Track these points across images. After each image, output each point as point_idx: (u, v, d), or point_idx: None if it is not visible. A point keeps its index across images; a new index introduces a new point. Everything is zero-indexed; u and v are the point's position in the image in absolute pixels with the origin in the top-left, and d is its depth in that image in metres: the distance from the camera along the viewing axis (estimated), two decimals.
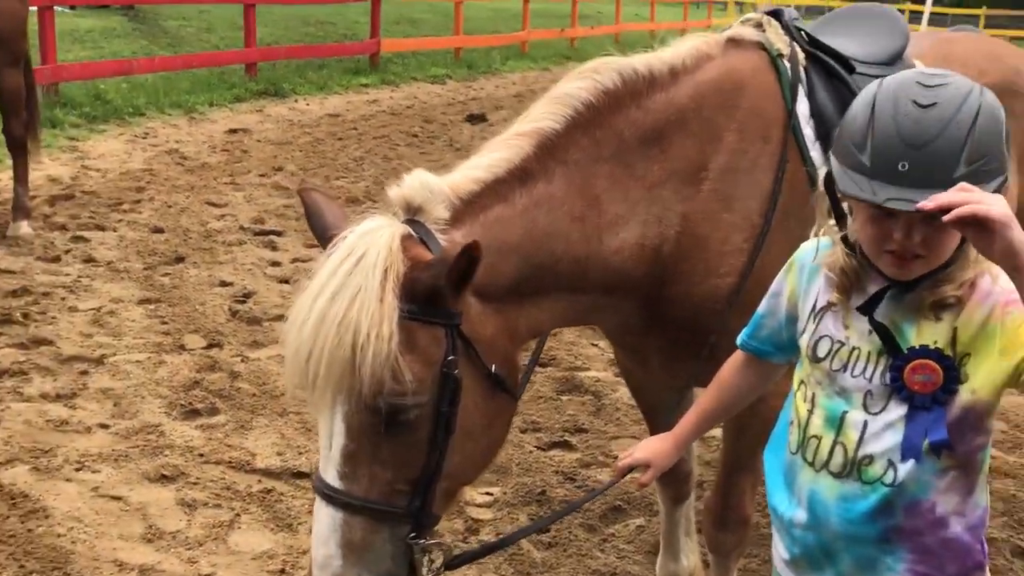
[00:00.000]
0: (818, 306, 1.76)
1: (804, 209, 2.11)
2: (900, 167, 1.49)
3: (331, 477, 1.89)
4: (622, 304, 2.32)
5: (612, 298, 2.29)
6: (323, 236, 1.96)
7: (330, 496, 1.89)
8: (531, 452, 4.10)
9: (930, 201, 1.42)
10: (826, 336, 1.72)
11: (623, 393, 4.52)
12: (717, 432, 3.58)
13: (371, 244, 1.82)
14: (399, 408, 1.83)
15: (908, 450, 1.60)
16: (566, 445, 4.19)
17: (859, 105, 1.60)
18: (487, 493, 3.76)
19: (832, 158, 1.64)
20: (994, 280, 1.57)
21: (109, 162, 8.65)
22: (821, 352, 1.72)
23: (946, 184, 1.45)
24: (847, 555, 1.70)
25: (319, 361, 1.78)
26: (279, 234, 6.96)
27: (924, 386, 1.59)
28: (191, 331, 5.16)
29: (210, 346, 5.00)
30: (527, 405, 4.50)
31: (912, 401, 1.60)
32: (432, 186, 2.00)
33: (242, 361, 4.82)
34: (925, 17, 18.82)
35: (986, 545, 1.68)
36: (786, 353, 1.91)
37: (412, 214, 2.00)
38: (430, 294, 1.84)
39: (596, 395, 4.68)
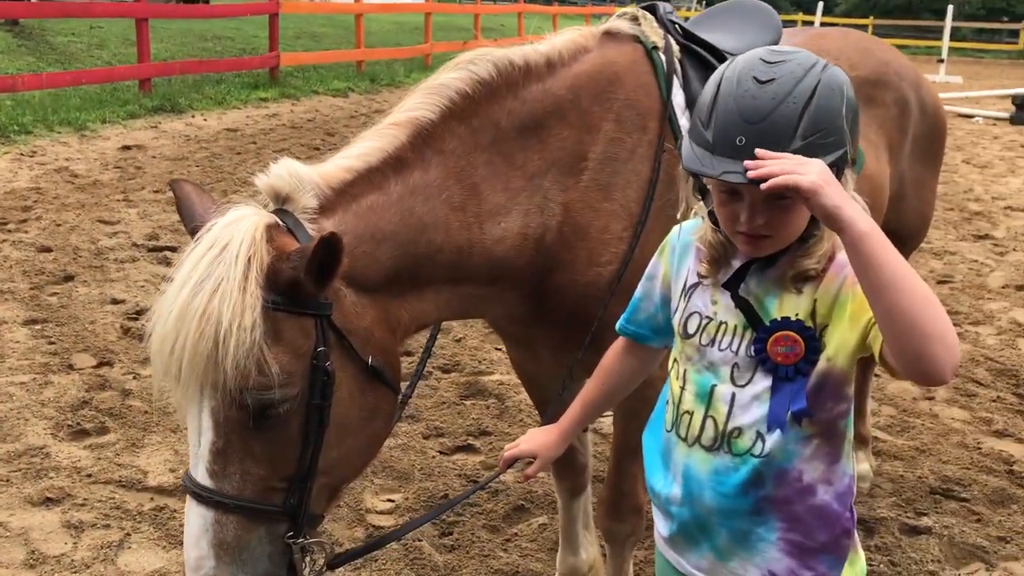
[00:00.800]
0: (688, 283, 1.78)
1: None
2: (738, 141, 1.53)
3: (201, 475, 1.81)
4: (507, 295, 2.31)
5: (497, 288, 2.28)
6: (191, 227, 1.90)
7: (200, 495, 1.81)
8: (434, 457, 4.06)
9: (752, 170, 1.46)
10: (695, 312, 1.75)
11: (527, 395, 4.53)
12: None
13: (234, 234, 1.77)
14: (267, 402, 1.77)
15: (774, 421, 1.63)
16: (470, 449, 4.17)
17: (709, 84, 1.64)
18: (389, 500, 3.71)
19: (685, 137, 1.68)
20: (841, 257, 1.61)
21: None
22: (691, 328, 1.75)
23: None
24: (722, 529, 1.72)
25: (181, 354, 1.72)
26: (174, 250, 6.76)
27: (787, 357, 1.62)
28: (80, 350, 4.97)
29: (100, 365, 4.82)
30: (430, 411, 4.47)
31: (776, 372, 1.63)
32: (301, 175, 1.96)
33: (134, 379, 4.66)
34: (816, 27, 19.51)
35: (855, 513, 1.72)
36: (663, 337, 1.93)
37: (281, 203, 1.96)
38: (292, 285, 1.79)
39: (499, 398, 4.67)
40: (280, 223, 1.90)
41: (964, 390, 4.74)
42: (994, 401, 4.62)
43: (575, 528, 3.00)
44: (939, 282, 6.20)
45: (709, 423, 1.70)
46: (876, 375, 4.66)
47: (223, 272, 1.73)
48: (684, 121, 2.49)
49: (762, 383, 1.65)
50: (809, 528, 1.67)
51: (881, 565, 3.34)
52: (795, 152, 1.50)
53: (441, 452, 4.12)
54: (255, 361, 1.73)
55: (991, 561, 3.39)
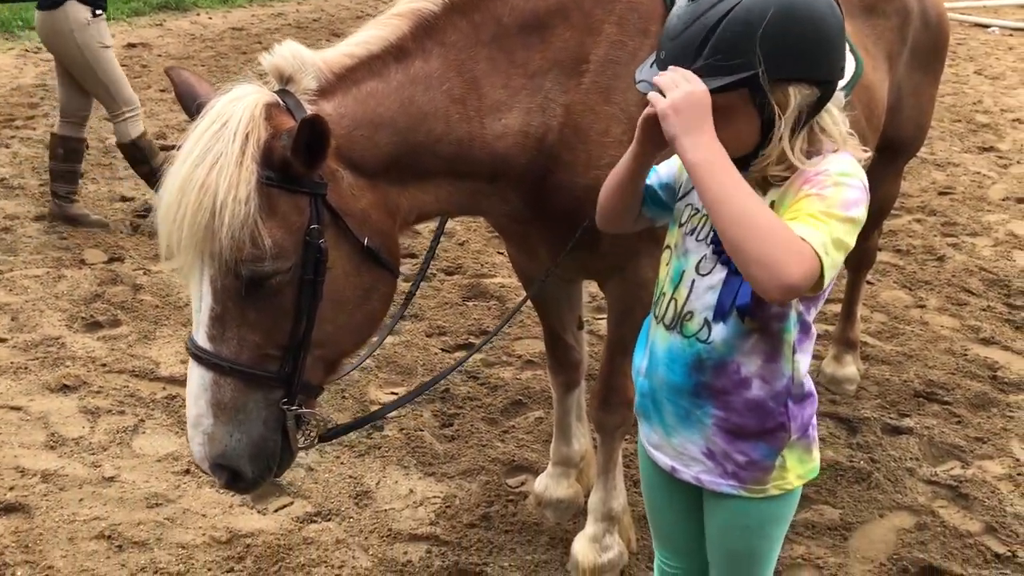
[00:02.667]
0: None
1: None
2: (660, 55, 1.70)
3: (201, 338, 1.94)
4: (508, 192, 2.38)
5: (498, 186, 2.35)
6: (192, 109, 1.98)
7: (200, 357, 1.94)
8: (436, 354, 4.20)
9: (651, 83, 1.63)
10: (690, 204, 1.86)
11: None
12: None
13: (235, 111, 1.86)
14: (260, 273, 1.88)
15: (719, 311, 1.75)
16: (471, 347, 4.30)
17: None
18: (393, 393, 3.86)
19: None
20: (822, 160, 1.69)
21: None
22: (683, 218, 1.87)
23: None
24: (669, 404, 1.87)
25: (182, 224, 1.83)
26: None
27: None
28: (91, 246, 5.08)
29: (111, 260, 4.94)
30: (433, 311, 4.59)
31: (729, 266, 1.73)
32: (304, 57, 2.02)
33: (144, 274, 4.78)
34: None
35: (792, 413, 1.81)
36: (652, 210, 1.97)
37: (283, 84, 2.02)
38: (284, 163, 1.87)
39: (501, 300, 4.79)
40: (280, 102, 1.97)
41: (955, 299, 4.84)
42: (984, 310, 4.72)
43: (569, 420, 3.14)
44: (940, 193, 6.23)
45: (672, 305, 1.84)
46: (868, 283, 4.76)
47: (222, 147, 1.82)
48: None
49: (718, 275, 1.76)
50: (743, 418, 1.80)
51: (861, 462, 3.49)
52: (696, 70, 1.62)
53: (443, 350, 4.26)
54: (249, 233, 1.83)
55: (967, 460, 3.54)
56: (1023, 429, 3.73)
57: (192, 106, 2.01)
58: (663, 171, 1.96)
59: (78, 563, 2.85)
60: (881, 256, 5.15)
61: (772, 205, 1.69)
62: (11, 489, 3.15)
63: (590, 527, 2.93)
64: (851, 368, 3.98)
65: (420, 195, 2.19)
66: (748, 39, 1.61)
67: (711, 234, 1.78)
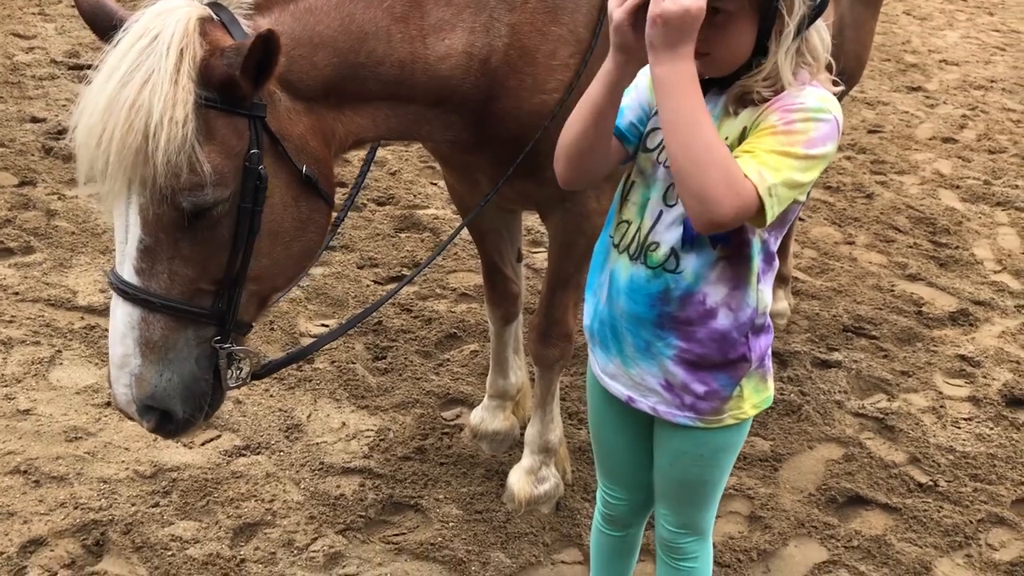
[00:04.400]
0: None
1: None
2: None
3: (127, 273, 1.81)
4: (450, 117, 2.28)
5: (439, 110, 2.25)
6: (107, 27, 1.81)
7: (126, 292, 1.81)
8: (368, 286, 4.10)
9: None
10: (658, 129, 1.78)
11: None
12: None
13: (166, 24, 1.71)
14: (198, 202, 1.76)
15: (688, 240, 1.72)
16: (403, 279, 4.21)
17: None
18: (323, 325, 3.77)
19: None
20: (799, 89, 1.64)
21: None
22: (651, 144, 1.80)
23: None
24: (629, 335, 1.83)
25: (108, 147, 1.68)
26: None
27: None
28: (1, 169, 4.80)
29: (23, 184, 4.68)
30: (364, 242, 4.48)
31: None
32: None
33: (59, 199, 4.54)
34: None
35: (752, 344, 1.80)
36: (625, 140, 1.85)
37: None
38: (226, 82, 1.74)
39: (434, 232, 4.69)
40: (214, 16, 1.83)
41: (883, 236, 4.91)
42: (911, 247, 4.80)
43: (506, 353, 3.10)
44: (869, 132, 6.30)
45: (637, 234, 1.78)
46: (800, 219, 4.80)
47: (153, 63, 1.68)
48: None
49: None
50: (706, 349, 1.78)
51: (792, 395, 3.54)
52: None
53: (375, 282, 4.16)
54: (186, 158, 1.70)
55: (892, 393, 3.62)
56: (946, 364, 3.82)
57: (103, 24, 1.84)
58: (630, 102, 1.85)
59: None
60: (813, 193, 5.19)
61: (744, 130, 1.65)
62: None
63: (526, 459, 2.92)
64: (783, 303, 4.02)
65: (357, 119, 2.08)
66: None
67: None
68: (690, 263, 1.73)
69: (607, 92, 1.68)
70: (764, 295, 1.79)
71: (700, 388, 1.80)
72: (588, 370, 2.02)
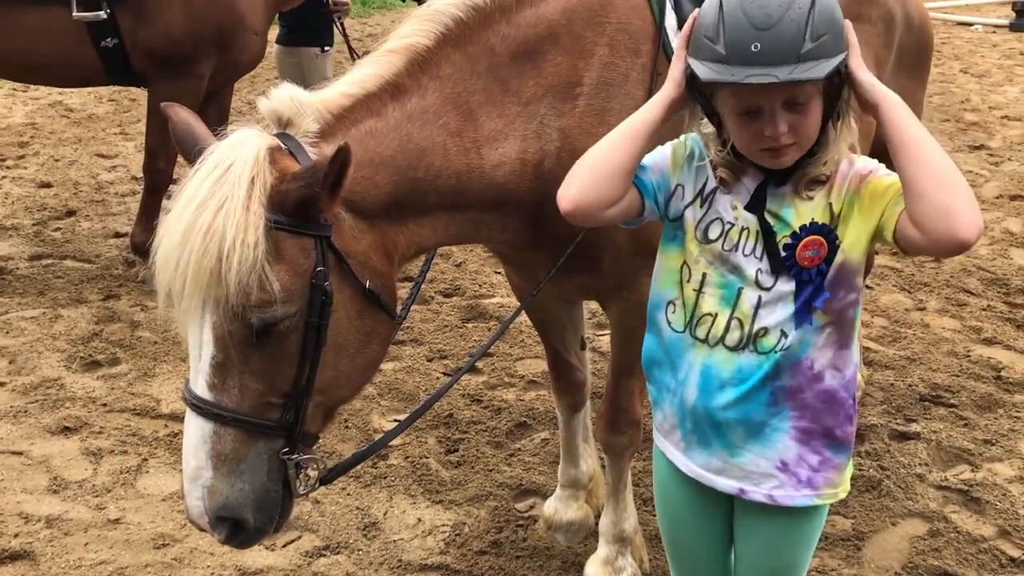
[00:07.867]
0: (708, 187, 1.86)
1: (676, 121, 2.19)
2: (753, 48, 1.64)
3: (200, 388, 1.90)
4: (508, 220, 2.37)
5: (497, 215, 2.33)
6: (191, 152, 1.95)
7: (199, 407, 1.90)
8: (438, 379, 4.18)
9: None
10: (717, 219, 1.83)
11: (527, 317, 4.62)
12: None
13: (238, 155, 1.84)
14: (268, 318, 1.86)
15: (800, 319, 1.76)
16: (472, 369, 4.27)
17: (707, 5, 1.74)
18: (395, 420, 3.83)
19: (690, 58, 1.75)
20: (851, 163, 1.76)
21: None
22: (713, 235, 1.84)
23: (796, 59, 1.62)
24: (739, 424, 1.83)
25: (186, 270, 1.80)
26: (173, 181, 6.79)
27: (812, 260, 1.75)
28: (87, 284, 5.06)
29: (108, 298, 4.91)
30: (433, 335, 4.57)
31: (800, 276, 1.75)
32: (301, 100, 2.01)
33: (142, 310, 4.76)
34: None
35: (856, 402, 1.85)
36: (651, 205, 1.89)
37: (282, 127, 2.01)
38: (302, 203, 1.86)
39: (500, 320, 4.76)
40: (282, 146, 1.96)
41: (955, 300, 4.83)
42: (984, 310, 4.71)
43: (575, 442, 3.12)
44: None
45: (735, 324, 1.80)
46: (868, 287, 4.76)
47: (227, 191, 1.80)
48: (677, 43, 2.52)
49: (787, 285, 1.77)
50: (817, 413, 1.80)
51: (871, 470, 3.47)
52: (807, 52, 1.62)
53: (445, 374, 4.23)
54: (257, 278, 1.81)
55: (976, 463, 3.52)
56: None
57: (190, 147, 1.99)
58: (652, 166, 1.89)
59: None
60: (878, 260, 5.15)
61: (829, 206, 1.74)
62: (15, 536, 3.11)
63: (602, 549, 2.91)
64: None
65: (419, 230, 2.18)
66: (838, 19, 1.68)
67: (763, 248, 1.77)
68: (799, 336, 1.77)
69: (665, 114, 1.81)
70: (858, 348, 1.84)
71: (815, 458, 1.82)
72: (664, 467, 2.01)
